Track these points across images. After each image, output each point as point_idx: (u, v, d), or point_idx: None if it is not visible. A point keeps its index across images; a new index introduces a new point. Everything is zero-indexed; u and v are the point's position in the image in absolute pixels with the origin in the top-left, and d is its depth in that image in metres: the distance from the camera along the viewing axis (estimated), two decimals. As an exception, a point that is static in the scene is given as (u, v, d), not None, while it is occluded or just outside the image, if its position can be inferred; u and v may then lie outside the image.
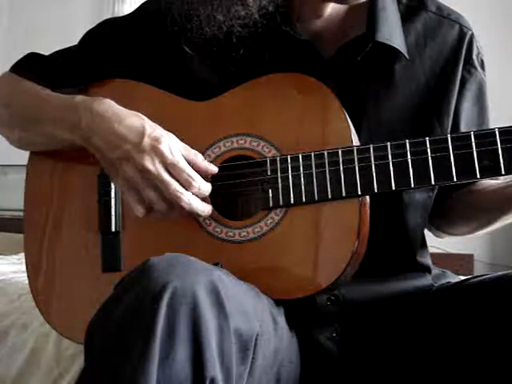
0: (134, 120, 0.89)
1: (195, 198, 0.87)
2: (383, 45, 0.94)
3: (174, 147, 0.87)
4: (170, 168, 0.86)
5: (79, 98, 0.95)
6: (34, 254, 1.00)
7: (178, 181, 0.86)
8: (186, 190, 0.87)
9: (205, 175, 0.90)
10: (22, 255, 1.03)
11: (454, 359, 0.88)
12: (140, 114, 0.91)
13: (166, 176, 0.86)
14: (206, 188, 0.89)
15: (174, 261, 0.71)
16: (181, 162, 0.87)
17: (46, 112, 0.98)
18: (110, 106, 0.91)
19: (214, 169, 0.91)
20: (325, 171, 0.87)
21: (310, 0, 0.95)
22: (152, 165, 0.86)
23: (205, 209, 0.88)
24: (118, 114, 0.90)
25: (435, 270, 1.04)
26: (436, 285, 1.01)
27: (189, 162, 0.88)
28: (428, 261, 1.04)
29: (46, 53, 1.08)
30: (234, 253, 0.88)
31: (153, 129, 0.88)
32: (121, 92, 1.00)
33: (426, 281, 1.01)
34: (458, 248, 2.78)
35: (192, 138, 0.94)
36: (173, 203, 0.87)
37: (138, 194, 0.87)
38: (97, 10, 3.58)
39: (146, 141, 0.87)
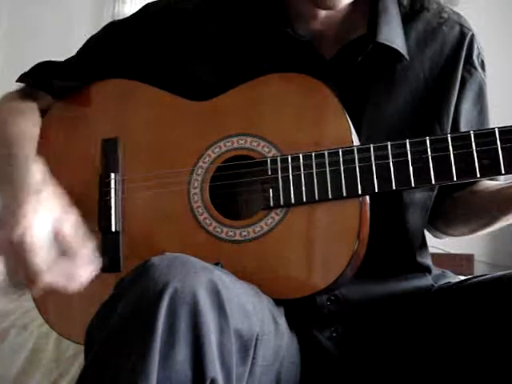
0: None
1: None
2: (384, 46, 0.94)
3: (39, 224, 0.83)
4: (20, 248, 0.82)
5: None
6: None
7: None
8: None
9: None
10: (22, 255, 1.02)
11: (454, 359, 0.88)
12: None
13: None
14: (42, 279, 0.82)
15: (175, 261, 0.71)
16: (31, 246, 0.82)
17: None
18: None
19: (87, 248, 0.87)
20: (325, 171, 0.87)
21: (303, 3, 0.95)
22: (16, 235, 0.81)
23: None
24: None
25: (435, 271, 1.04)
26: (436, 285, 1.01)
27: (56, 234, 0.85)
28: (428, 261, 1.04)
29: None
30: (235, 252, 0.88)
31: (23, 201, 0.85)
32: (121, 92, 1.00)
33: (426, 281, 1.01)
34: (458, 248, 2.77)
35: (193, 138, 0.94)
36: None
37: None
38: (97, 11, 3.57)
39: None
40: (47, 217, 0.85)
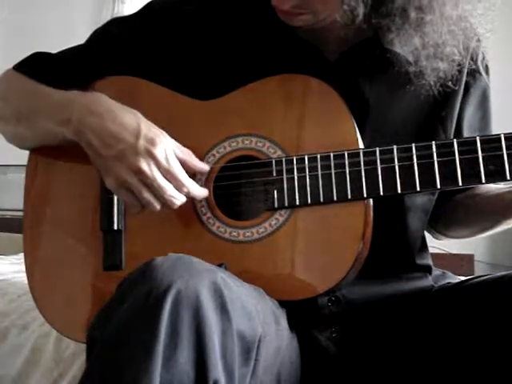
0: (128, 118, 0.88)
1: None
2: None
3: (169, 150, 0.87)
4: (164, 173, 0.86)
5: (74, 92, 0.93)
6: (33, 252, 1.00)
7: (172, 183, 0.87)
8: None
9: (199, 173, 0.92)
10: (22, 255, 1.02)
11: (455, 359, 0.88)
12: (135, 111, 0.89)
13: (161, 180, 0.86)
14: (199, 193, 0.89)
15: (178, 262, 0.71)
16: (174, 167, 0.87)
17: (41, 105, 0.96)
18: (103, 101, 0.90)
19: (205, 167, 0.92)
20: (331, 173, 0.87)
21: None
22: (148, 168, 0.85)
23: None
24: (112, 110, 0.89)
25: (435, 271, 1.05)
26: (436, 285, 1.01)
27: (183, 163, 0.88)
28: (428, 261, 1.04)
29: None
30: (238, 253, 0.88)
31: (148, 129, 0.87)
32: (124, 90, 0.99)
33: (426, 282, 1.01)
34: (458, 248, 2.77)
35: (197, 137, 0.94)
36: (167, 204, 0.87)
37: (131, 193, 0.87)
38: (97, 11, 3.57)
39: (142, 143, 0.86)
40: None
